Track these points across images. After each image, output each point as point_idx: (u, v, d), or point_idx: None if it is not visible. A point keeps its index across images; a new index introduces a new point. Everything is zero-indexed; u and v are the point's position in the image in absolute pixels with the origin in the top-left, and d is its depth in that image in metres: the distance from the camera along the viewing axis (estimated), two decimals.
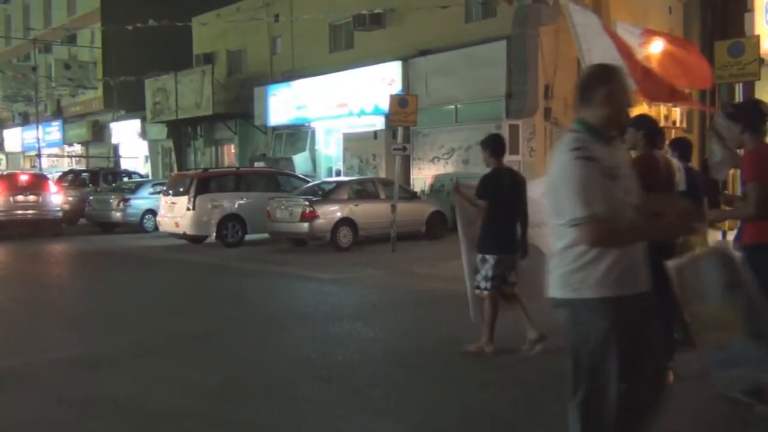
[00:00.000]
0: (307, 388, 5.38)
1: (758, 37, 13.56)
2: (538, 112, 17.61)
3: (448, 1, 17.07)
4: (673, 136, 14.81)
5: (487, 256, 5.98)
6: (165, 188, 17.12)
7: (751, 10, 14.12)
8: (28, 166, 39.12)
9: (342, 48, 22.52)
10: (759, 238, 4.69)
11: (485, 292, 6.01)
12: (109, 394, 5.31)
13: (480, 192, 6.05)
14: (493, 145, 6.09)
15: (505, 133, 16.80)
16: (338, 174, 20.98)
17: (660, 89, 6.44)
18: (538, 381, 5.38)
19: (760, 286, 4.24)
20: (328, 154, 22.64)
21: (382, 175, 18.79)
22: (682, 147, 6.28)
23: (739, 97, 17.16)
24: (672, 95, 6.95)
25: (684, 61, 6.88)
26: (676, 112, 19.16)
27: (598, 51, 6.29)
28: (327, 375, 5.72)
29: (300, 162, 21.84)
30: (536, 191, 6.12)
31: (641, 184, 4.54)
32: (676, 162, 5.81)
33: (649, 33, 7.61)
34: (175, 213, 15.63)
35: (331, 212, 14.19)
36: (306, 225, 13.89)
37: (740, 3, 16.28)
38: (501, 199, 5.94)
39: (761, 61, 11.40)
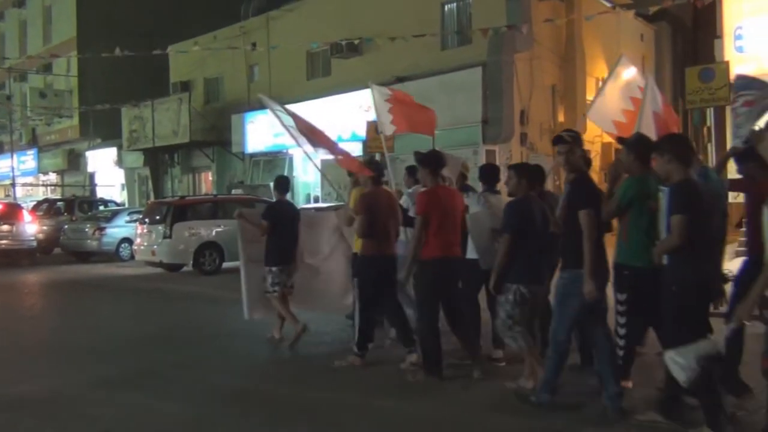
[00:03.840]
0: (287, 428, 5.31)
1: (728, 62, 13.84)
2: (515, 137, 17.80)
3: (424, 29, 17.26)
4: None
5: (273, 268, 7.66)
6: (141, 216, 16.97)
7: (720, 37, 14.41)
8: (2, 195, 38.64)
9: (319, 75, 22.65)
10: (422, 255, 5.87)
11: (274, 294, 7.68)
12: (83, 427, 5.19)
13: (266, 215, 7.75)
14: (280, 185, 8.09)
15: (482, 159, 16.96)
16: (316, 201, 20.96)
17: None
18: (501, 397, 5.37)
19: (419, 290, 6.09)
20: (306, 181, 22.63)
21: None
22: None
23: (710, 121, 17.45)
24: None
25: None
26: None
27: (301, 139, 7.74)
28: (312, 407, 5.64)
29: None
30: (318, 223, 8.24)
31: (370, 213, 6.39)
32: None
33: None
34: (151, 241, 15.48)
35: None
36: None
37: (710, 30, 16.63)
38: (283, 223, 7.66)
39: (731, 86, 11.65)
